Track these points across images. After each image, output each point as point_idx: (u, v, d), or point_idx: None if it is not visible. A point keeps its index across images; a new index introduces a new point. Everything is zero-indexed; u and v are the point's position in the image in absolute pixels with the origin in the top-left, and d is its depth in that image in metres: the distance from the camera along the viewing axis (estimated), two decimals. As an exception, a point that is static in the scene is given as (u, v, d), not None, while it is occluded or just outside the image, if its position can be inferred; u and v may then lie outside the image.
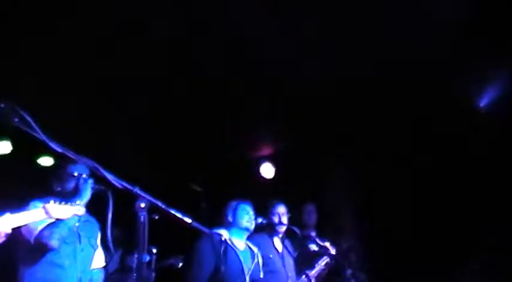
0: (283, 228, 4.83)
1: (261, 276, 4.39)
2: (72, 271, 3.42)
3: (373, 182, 6.23)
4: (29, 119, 2.64)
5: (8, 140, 6.02)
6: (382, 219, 6.04)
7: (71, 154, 2.80)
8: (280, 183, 6.80)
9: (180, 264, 5.38)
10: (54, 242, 3.28)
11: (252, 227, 4.47)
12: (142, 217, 2.95)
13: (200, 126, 6.22)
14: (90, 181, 3.47)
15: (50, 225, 3.27)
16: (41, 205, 3.21)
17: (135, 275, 5.05)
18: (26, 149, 5.84)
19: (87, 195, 3.44)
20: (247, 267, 4.27)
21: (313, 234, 5.04)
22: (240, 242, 4.42)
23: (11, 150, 6.11)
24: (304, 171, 6.59)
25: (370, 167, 6.29)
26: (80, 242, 3.54)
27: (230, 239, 4.29)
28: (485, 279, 5.61)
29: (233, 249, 4.25)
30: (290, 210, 5.04)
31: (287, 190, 6.25)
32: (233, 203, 4.54)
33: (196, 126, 6.21)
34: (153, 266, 4.61)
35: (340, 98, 5.78)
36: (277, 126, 6.46)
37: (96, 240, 3.75)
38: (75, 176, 3.54)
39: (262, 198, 5.28)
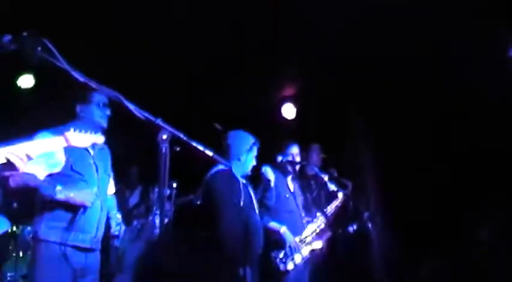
0: (297, 168, 4.84)
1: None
2: (96, 201, 3.43)
3: (392, 125, 6.15)
4: (51, 47, 2.63)
5: (31, 74, 5.99)
6: (401, 163, 6.00)
7: (93, 84, 2.81)
8: (301, 124, 6.76)
9: (199, 202, 5.44)
10: (57, 196, 3.26)
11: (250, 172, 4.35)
12: (164, 148, 2.97)
13: (223, 65, 6.16)
14: (108, 111, 3.51)
15: (61, 179, 3.29)
16: (50, 136, 3.21)
17: (155, 209, 5.17)
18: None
19: (104, 123, 3.50)
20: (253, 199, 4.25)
21: (326, 176, 5.02)
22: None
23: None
24: (326, 113, 6.52)
25: (391, 111, 6.21)
26: (97, 172, 3.53)
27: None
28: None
29: (244, 183, 4.21)
30: (302, 151, 5.03)
31: (308, 131, 6.26)
32: (249, 140, 4.32)
33: (220, 65, 6.15)
34: (173, 200, 4.68)
35: (367, 41, 5.68)
36: (300, 66, 6.37)
37: (109, 168, 3.73)
38: (99, 105, 3.53)
39: (283, 139, 5.28)
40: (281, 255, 4.42)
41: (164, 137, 2.99)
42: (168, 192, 4.97)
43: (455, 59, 5.42)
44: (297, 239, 4.53)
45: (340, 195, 4.96)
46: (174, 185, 4.76)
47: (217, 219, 4.00)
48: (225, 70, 6.24)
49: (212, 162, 3.79)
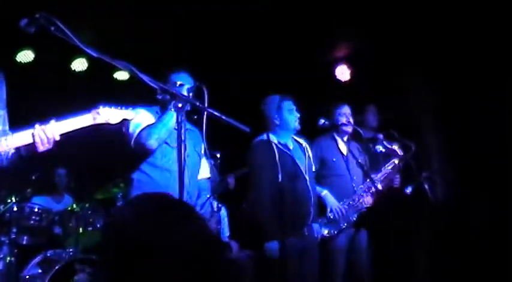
0: (349, 129, 4.68)
1: (313, 169, 4.24)
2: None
3: (452, 86, 5.79)
4: (63, 27, 2.69)
5: (30, 49, 6.13)
6: (461, 124, 5.65)
7: (107, 58, 2.85)
8: (356, 86, 6.54)
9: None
10: (152, 142, 3.33)
11: (298, 126, 4.21)
12: (179, 117, 2.99)
13: (273, 27, 5.98)
14: (186, 86, 3.43)
15: (147, 127, 3.36)
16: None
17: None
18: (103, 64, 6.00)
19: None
20: (303, 165, 4.12)
21: (381, 136, 4.83)
22: (289, 142, 4.22)
23: (87, 66, 6.35)
24: (381, 74, 6.26)
25: (450, 71, 5.84)
26: (185, 148, 3.49)
27: (280, 142, 4.14)
28: None
29: (285, 152, 4.11)
30: (355, 113, 4.90)
31: (362, 93, 6.06)
32: (275, 100, 4.21)
33: (270, 27, 5.98)
34: (217, 170, 4.70)
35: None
36: (354, 26, 6.12)
37: (201, 148, 3.71)
38: (177, 85, 3.52)
39: (338, 101, 5.14)
40: (325, 220, 4.32)
41: (180, 105, 3.01)
42: (212, 162, 5.03)
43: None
44: (346, 202, 4.43)
45: (396, 161, 4.75)
46: (218, 155, 4.77)
47: (251, 192, 4.05)
48: (273, 30, 6.08)
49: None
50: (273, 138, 4.11)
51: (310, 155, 4.27)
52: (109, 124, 3.09)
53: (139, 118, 3.40)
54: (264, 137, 4.05)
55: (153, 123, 3.37)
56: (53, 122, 2.77)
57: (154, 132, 3.32)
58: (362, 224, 4.46)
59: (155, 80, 2.99)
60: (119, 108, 3.03)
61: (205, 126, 3.11)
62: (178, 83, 3.54)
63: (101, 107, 2.97)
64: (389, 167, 4.71)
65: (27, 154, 2.79)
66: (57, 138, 2.75)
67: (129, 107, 3.15)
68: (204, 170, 3.80)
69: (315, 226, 4.10)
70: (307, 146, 4.31)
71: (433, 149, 5.71)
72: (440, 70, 5.81)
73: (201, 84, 3.23)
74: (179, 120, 2.99)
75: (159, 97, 3.51)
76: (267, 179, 3.95)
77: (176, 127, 3.20)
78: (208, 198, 3.72)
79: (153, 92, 3.60)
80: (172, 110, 3.27)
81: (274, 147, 4.04)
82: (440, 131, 5.87)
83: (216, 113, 3.00)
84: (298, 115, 4.19)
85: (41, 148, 2.72)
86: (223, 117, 2.98)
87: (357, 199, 4.47)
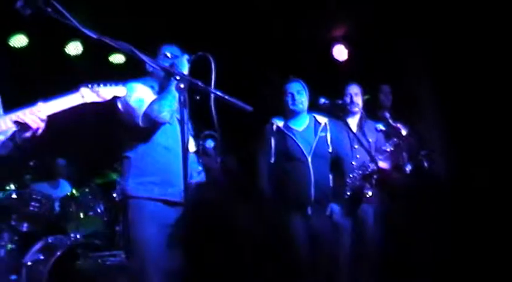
0: (355, 108, 4.66)
1: (330, 150, 4.22)
2: (178, 153, 3.15)
3: (451, 64, 5.75)
4: (60, 8, 2.63)
5: (23, 34, 6.06)
6: (462, 102, 5.63)
7: (106, 39, 2.79)
8: (353, 66, 6.50)
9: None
10: (165, 114, 3.21)
11: (301, 107, 4.22)
12: (182, 98, 2.94)
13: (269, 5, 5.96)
14: (186, 56, 3.28)
15: (156, 100, 3.24)
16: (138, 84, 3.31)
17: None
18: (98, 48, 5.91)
19: (185, 68, 3.21)
20: (309, 146, 4.13)
21: (387, 115, 4.80)
22: (299, 123, 4.25)
23: (82, 50, 6.29)
24: (379, 54, 6.21)
25: (449, 49, 5.80)
26: (187, 128, 3.29)
27: (286, 125, 4.19)
28: None
29: (288, 134, 4.16)
30: (366, 93, 4.86)
31: (361, 73, 6.01)
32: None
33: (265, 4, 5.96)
34: (218, 151, 4.70)
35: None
36: (351, 4, 6.06)
37: (189, 125, 3.69)
38: (168, 57, 3.42)
39: (335, 81, 5.10)
40: None
41: (181, 86, 2.95)
42: (212, 143, 5.03)
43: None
44: None
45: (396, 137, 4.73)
46: (217, 136, 4.74)
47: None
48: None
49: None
50: (278, 122, 4.21)
51: (328, 134, 4.25)
52: (99, 102, 2.97)
53: (140, 93, 3.29)
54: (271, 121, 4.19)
55: (161, 96, 3.25)
56: (40, 103, 2.74)
57: (165, 104, 3.21)
58: (367, 201, 4.47)
59: (156, 61, 2.96)
60: (108, 85, 2.98)
61: (214, 106, 3.01)
62: (169, 54, 3.43)
63: (89, 85, 2.93)
64: (392, 147, 4.68)
65: (22, 142, 2.75)
66: (44, 118, 2.71)
67: (118, 84, 3.09)
68: (191, 145, 3.68)
69: (334, 207, 4.16)
70: (327, 124, 4.29)
71: (430, 126, 5.69)
72: (440, 48, 5.78)
73: (205, 54, 3.10)
74: (181, 100, 2.92)
75: (150, 69, 3.46)
76: (262, 161, 4.16)
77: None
78: (201, 170, 3.67)
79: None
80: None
81: (275, 130, 4.18)
82: (438, 108, 5.85)
83: (218, 93, 2.95)
84: (300, 96, 4.20)
85: (34, 127, 2.67)
86: (226, 96, 2.92)
87: (352, 176, 4.45)
